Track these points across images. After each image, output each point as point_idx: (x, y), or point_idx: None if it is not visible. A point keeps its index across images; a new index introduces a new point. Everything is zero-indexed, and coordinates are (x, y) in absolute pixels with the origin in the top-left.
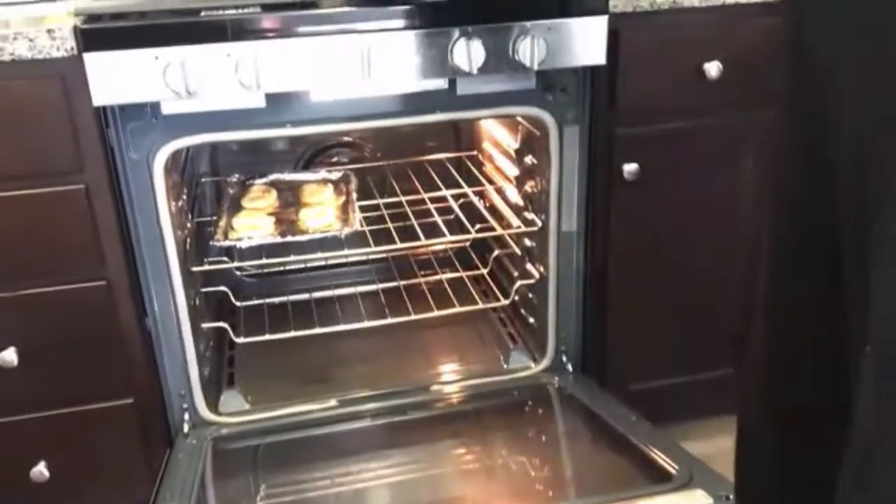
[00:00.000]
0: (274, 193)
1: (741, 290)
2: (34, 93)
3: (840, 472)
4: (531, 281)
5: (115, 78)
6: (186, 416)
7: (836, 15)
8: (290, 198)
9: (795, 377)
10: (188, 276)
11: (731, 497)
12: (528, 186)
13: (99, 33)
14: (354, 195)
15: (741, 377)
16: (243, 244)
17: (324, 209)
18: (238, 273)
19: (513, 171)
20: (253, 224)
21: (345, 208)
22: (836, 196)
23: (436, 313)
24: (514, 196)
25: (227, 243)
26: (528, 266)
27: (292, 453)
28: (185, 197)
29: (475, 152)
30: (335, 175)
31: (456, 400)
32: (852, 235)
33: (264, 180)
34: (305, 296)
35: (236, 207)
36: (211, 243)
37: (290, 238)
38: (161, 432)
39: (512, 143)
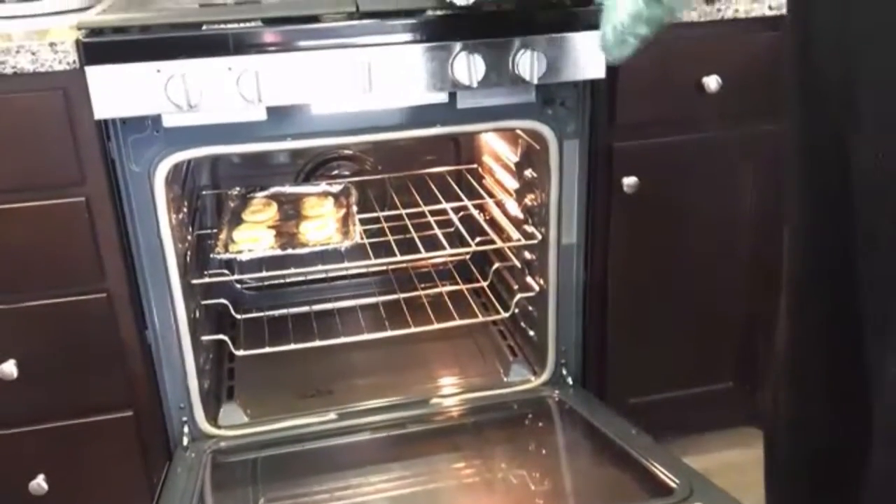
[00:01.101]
0: (274, 206)
1: (741, 303)
2: (36, 106)
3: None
4: (531, 294)
5: (116, 91)
6: (186, 429)
7: (845, 38)
8: (291, 211)
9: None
10: (188, 289)
11: None
12: (528, 199)
13: (101, 47)
14: (355, 208)
15: (767, 386)
16: (244, 257)
17: (324, 222)
18: (238, 286)
19: (513, 184)
20: (253, 237)
21: (345, 221)
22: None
23: (436, 326)
24: (514, 209)
25: (227, 256)
26: (528, 279)
27: (291, 467)
28: (185, 209)
29: (475, 165)
30: (336, 188)
31: (456, 413)
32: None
33: (265, 193)
34: (305, 308)
35: (237, 220)
36: (212, 256)
37: (290, 251)
38: (160, 445)
39: (512, 156)
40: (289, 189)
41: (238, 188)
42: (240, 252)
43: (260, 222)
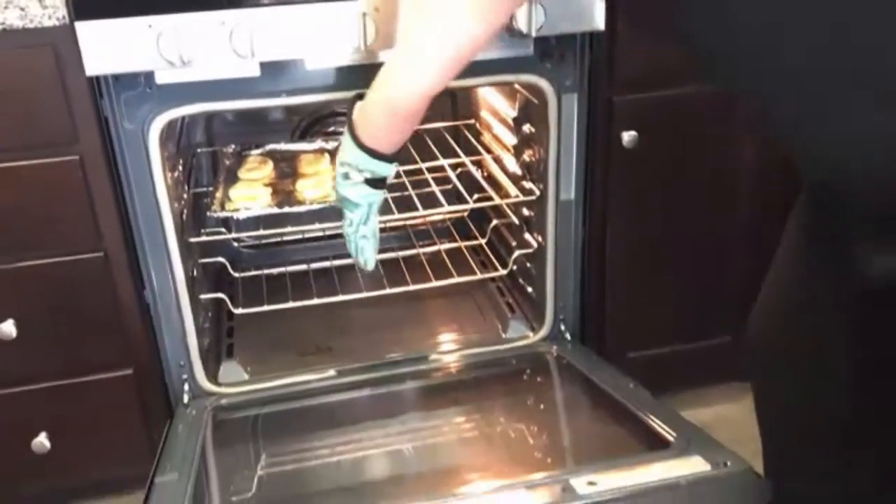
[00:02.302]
0: (270, 164)
1: (740, 257)
2: (26, 63)
3: None
4: (529, 250)
5: (107, 47)
6: (186, 387)
7: None
8: (287, 168)
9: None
10: (185, 248)
11: (729, 463)
12: (527, 155)
13: (91, 1)
14: None
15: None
16: (240, 215)
17: (320, 179)
18: (235, 244)
19: (511, 139)
20: (250, 195)
21: None
22: None
23: (434, 283)
24: (513, 165)
25: (223, 214)
26: (527, 235)
27: (292, 423)
28: (180, 168)
29: (473, 121)
30: (332, 145)
31: (454, 369)
32: None
33: (260, 151)
34: (303, 266)
35: (233, 178)
36: (208, 214)
37: (286, 209)
38: (161, 403)
39: (510, 111)
40: (284, 146)
41: (233, 146)
42: (236, 210)
43: (256, 180)
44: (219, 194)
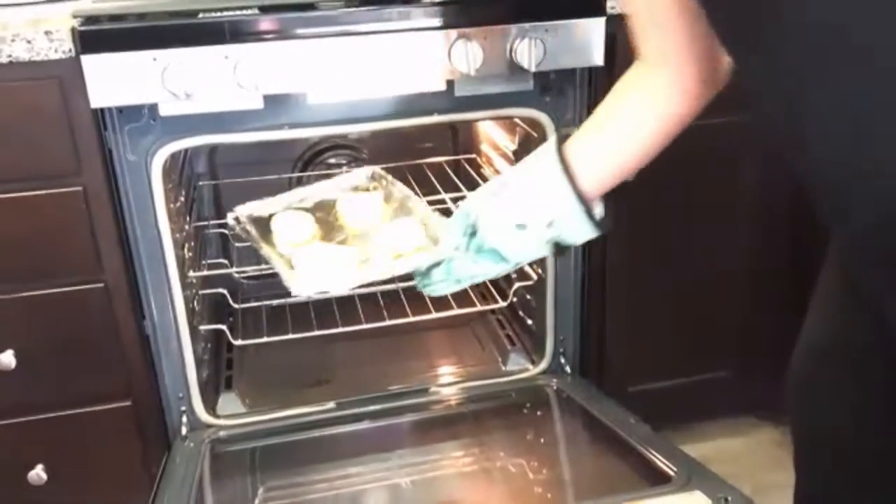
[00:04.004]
0: (308, 217)
1: (740, 292)
2: (32, 95)
3: None
4: (529, 282)
5: (113, 80)
6: (184, 419)
7: None
8: (328, 218)
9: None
10: (186, 279)
11: (730, 499)
12: None
13: (97, 35)
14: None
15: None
16: (335, 292)
17: (396, 233)
18: (236, 275)
19: None
20: (325, 256)
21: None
22: None
23: (434, 315)
24: None
25: (315, 295)
26: (526, 268)
27: (290, 456)
28: (182, 199)
29: (473, 155)
30: (362, 178)
31: (454, 402)
32: None
33: (284, 208)
34: (304, 298)
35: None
36: (295, 294)
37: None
38: (159, 435)
39: (510, 144)
40: (299, 200)
41: (234, 214)
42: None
43: (305, 242)
44: (283, 270)
